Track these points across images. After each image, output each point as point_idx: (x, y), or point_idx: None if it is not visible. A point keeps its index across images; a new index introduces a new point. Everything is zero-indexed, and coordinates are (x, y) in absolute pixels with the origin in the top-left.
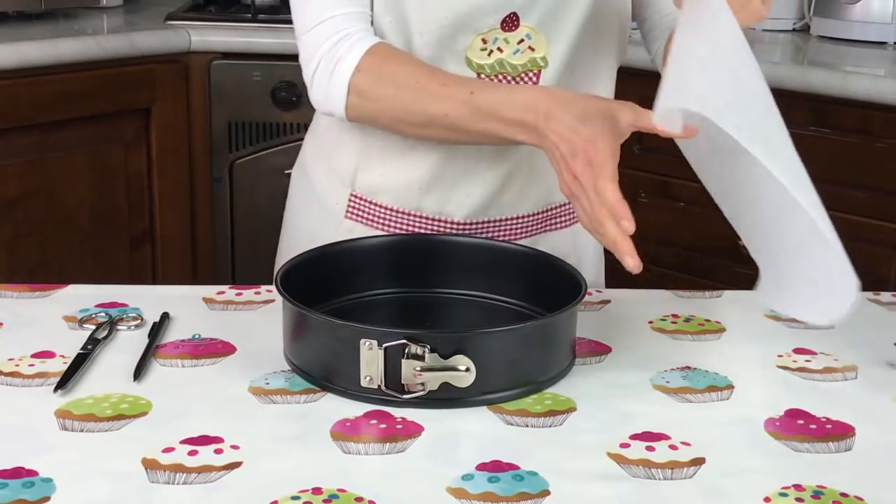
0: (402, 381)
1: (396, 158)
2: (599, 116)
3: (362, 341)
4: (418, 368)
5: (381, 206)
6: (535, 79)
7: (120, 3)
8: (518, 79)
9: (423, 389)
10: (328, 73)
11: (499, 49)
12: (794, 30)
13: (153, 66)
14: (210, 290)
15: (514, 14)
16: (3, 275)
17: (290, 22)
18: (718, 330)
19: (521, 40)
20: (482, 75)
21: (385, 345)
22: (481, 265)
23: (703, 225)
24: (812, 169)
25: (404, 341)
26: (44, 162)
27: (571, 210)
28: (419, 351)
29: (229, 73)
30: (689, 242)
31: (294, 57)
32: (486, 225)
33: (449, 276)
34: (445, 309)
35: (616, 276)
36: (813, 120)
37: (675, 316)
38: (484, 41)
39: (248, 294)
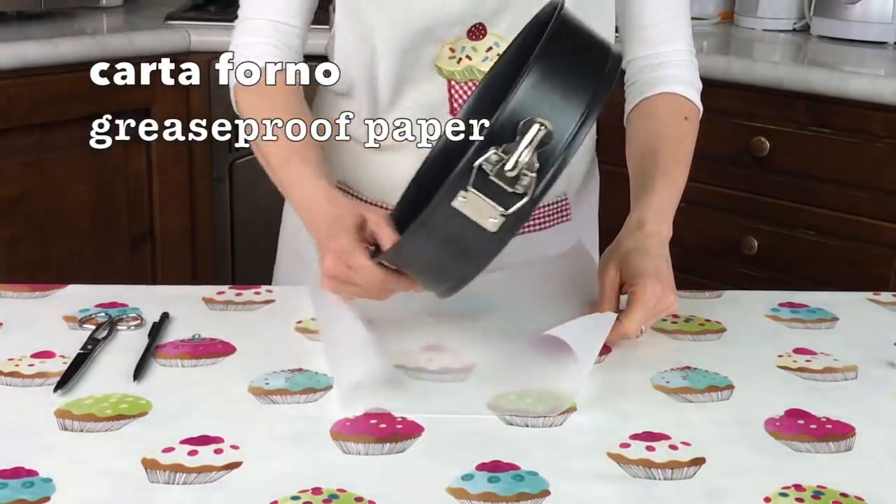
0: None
1: (373, 158)
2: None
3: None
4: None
5: (364, 200)
6: None
7: (120, 3)
8: None
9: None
10: (230, 61)
11: (468, 57)
12: (794, 30)
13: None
14: (210, 290)
15: (481, 24)
16: (3, 275)
17: None
18: (718, 330)
19: (490, 48)
20: (453, 82)
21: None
22: None
23: (703, 225)
24: (812, 169)
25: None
26: (44, 162)
27: (555, 211)
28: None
29: None
30: (689, 242)
31: None
32: None
33: None
34: None
35: None
36: (813, 120)
37: (675, 316)
38: (452, 50)
39: (248, 294)
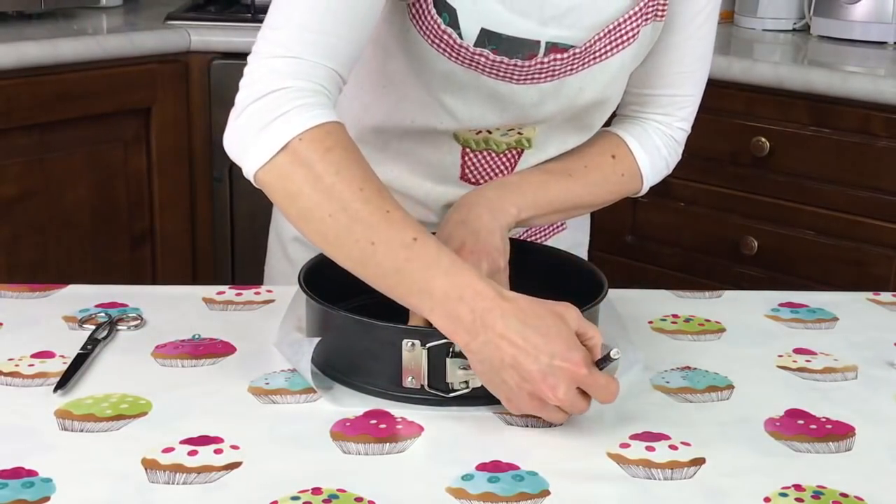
0: (447, 380)
1: None
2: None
3: (405, 342)
4: (463, 367)
5: None
6: (516, 157)
7: (120, 3)
8: (502, 155)
9: (468, 387)
10: (269, 115)
11: (488, 131)
12: (794, 30)
13: (153, 66)
14: (210, 290)
15: None
16: (3, 275)
17: None
18: (718, 330)
19: (513, 129)
20: (468, 149)
21: (428, 344)
22: None
23: (703, 225)
24: (812, 169)
25: (447, 340)
26: (44, 162)
27: (533, 234)
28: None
29: (229, 73)
30: (689, 242)
31: None
32: None
33: None
34: None
35: (610, 276)
36: (813, 120)
37: (675, 316)
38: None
39: (248, 294)
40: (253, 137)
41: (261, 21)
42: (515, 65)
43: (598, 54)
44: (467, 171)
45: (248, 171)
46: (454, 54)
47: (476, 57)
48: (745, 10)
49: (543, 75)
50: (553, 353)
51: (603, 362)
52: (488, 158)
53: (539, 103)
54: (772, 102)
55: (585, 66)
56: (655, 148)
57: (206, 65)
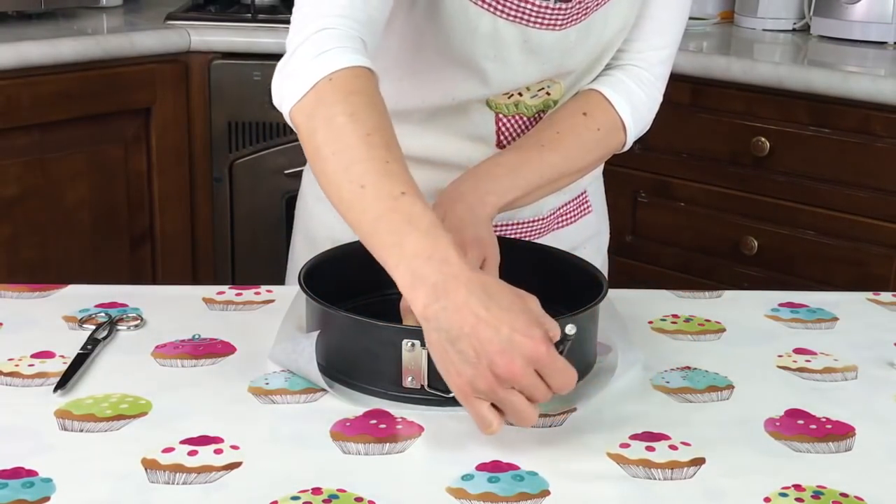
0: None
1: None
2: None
3: (405, 342)
4: None
5: None
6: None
7: (120, 3)
8: (532, 118)
9: None
10: (314, 52)
11: (519, 94)
12: (794, 30)
13: (153, 66)
14: (210, 290)
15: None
16: (3, 275)
17: (289, 22)
18: (718, 330)
19: (542, 88)
20: (500, 115)
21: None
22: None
23: (703, 225)
24: (812, 169)
25: None
26: (44, 162)
27: (578, 205)
28: None
29: (229, 72)
30: (689, 242)
31: None
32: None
33: None
34: None
35: (611, 276)
36: (813, 120)
37: (675, 316)
38: (508, 93)
39: (248, 294)
40: (293, 77)
41: (260, 21)
42: (560, 8)
43: None
44: (502, 137)
45: (285, 112)
46: (501, 7)
47: (522, 5)
48: (745, 10)
49: (579, 15)
50: (514, 327)
51: (560, 344)
52: (520, 122)
53: (574, 47)
54: (772, 102)
55: None
56: (629, 90)
57: (206, 65)
